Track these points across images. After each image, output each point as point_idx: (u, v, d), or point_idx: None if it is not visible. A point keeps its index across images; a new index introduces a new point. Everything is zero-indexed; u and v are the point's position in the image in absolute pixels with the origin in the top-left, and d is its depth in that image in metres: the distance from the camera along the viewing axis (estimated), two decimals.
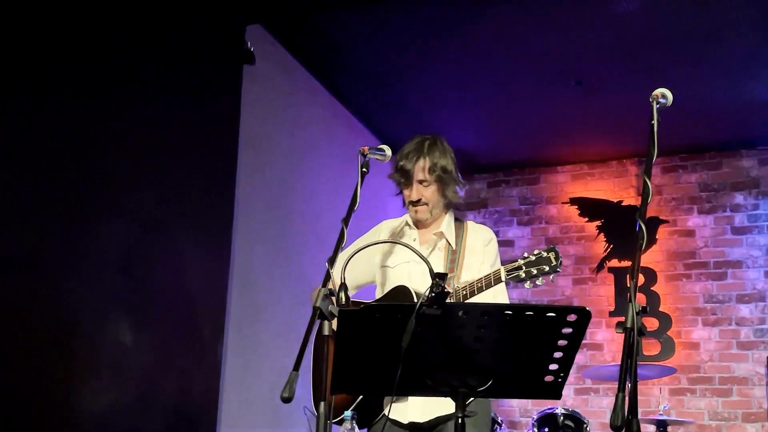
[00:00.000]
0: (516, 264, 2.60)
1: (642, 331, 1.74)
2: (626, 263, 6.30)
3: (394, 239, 2.86)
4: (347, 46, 4.70)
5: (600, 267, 6.41)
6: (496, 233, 6.58)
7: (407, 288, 2.69)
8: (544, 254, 2.59)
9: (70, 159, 3.11)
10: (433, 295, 1.79)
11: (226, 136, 4.02)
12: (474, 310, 1.85)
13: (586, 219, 6.55)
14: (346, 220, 2.35)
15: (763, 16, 4.28)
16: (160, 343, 3.53)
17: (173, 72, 3.70)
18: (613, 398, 1.66)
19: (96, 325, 3.19)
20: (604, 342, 6.24)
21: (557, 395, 1.98)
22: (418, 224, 2.88)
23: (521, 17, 4.39)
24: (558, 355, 1.89)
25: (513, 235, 6.73)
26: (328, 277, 2.18)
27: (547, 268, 2.58)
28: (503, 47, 4.72)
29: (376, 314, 1.90)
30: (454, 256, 2.78)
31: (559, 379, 1.94)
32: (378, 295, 2.87)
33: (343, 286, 2.13)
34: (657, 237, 6.27)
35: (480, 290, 2.59)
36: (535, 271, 2.58)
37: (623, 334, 1.74)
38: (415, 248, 2.33)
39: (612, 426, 1.63)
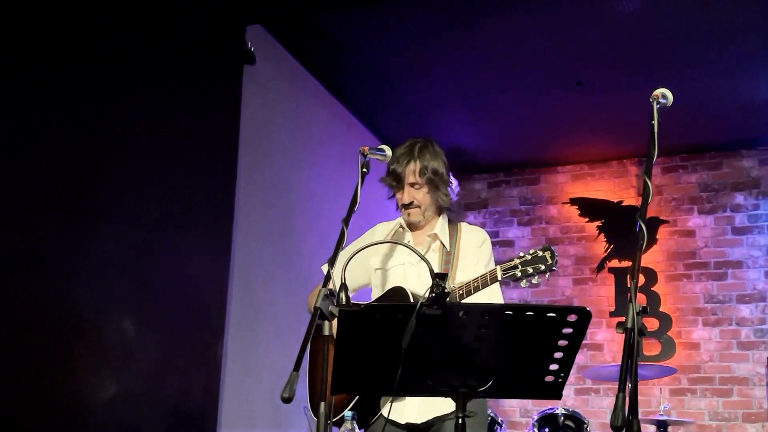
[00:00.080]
0: (512, 263, 2.61)
1: (642, 332, 1.74)
2: (626, 263, 6.30)
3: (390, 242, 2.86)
4: (348, 46, 4.70)
5: (600, 267, 6.41)
6: (497, 233, 6.73)
7: (404, 289, 2.70)
8: (540, 253, 2.60)
9: (70, 159, 3.11)
10: (433, 295, 1.79)
11: (227, 136, 4.02)
12: (474, 310, 1.85)
13: (587, 219, 6.55)
14: (346, 221, 2.36)
15: (764, 16, 4.28)
16: (161, 343, 3.53)
17: (174, 72, 3.70)
18: (614, 398, 1.66)
19: (97, 325, 3.19)
20: (604, 342, 6.24)
21: (557, 395, 1.98)
22: (412, 227, 2.89)
23: (522, 18, 4.39)
24: (558, 355, 1.89)
25: (513, 235, 6.74)
26: (328, 277, 2.18)
27: (542, 267, 2.59)
28: (504, 48, 4.72)
29: (377, 314, 1.90)
30: (449, 257, 2.80)
31: (560, 380, 1.94)
32: (374, 297, 2.88)
33: (344, 287, 2.13)
34: (657, 237, 6.27)
35: (476, 290, 2.61)
36: (531, 270, 2.59)
37: (623, 335, 1.74)
38: (415, 249, 2.33)
39: (612, 426, 1.63)
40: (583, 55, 4.79)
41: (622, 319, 1.76)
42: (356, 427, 2.27)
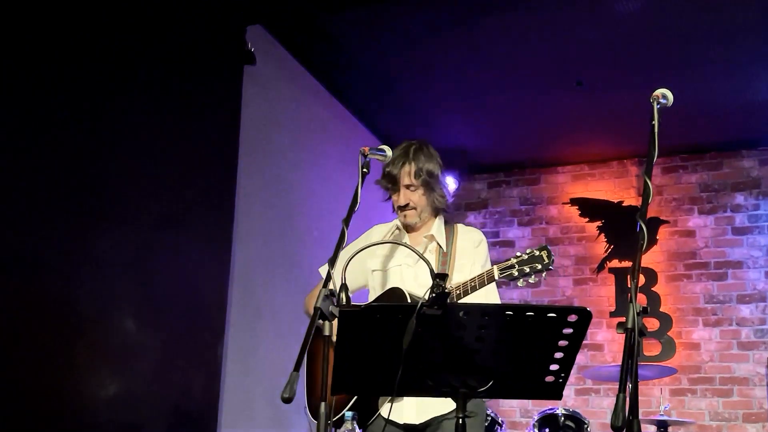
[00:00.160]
0: (509, 263, 2.62)
1: (643, 332, 1.74)
2: (627, 264, 6.30)
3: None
4: (348, 46, 4.70)
5: (600, 267, 6.41)
6: (497, 233, 6.73)
7: (401, 290, 2.71)
8: (537, 253, 2.61)
9: (70, 159, 3.10)
10: (434, 295, 1.79)
11: (227, 136, 4.02)
12: (474, 311, 1.85)
13: (587, 219, 6.55)
14: (346, 221, 2.36)
15: (764, 16, 4.28)
16: (161, 343, 3.53)
17: (174, 72, 3.70)
18: (614, 399, 1.66)
19: (97, 324, 3.19)
20: (604, 342, 6.24)
21: (558, 396, 1.98)
22: (408, 228, 2.91)
23: (522, 18, 4.39)
24: (559, 355, 1.89)
25: (513, 235, 6.73)
26: (328, 277, 2.18)
27: (539, 267, 2.60)
28: (504, 48, 4.72)
29: (377, 314, 1.90)
30: (445, 258, 2.81)
31: (560, 380, 1.94)
32: (371, 298, 2.88)
33: (344, 287, 2.13)
34: (657, 237, 6.27)
35: (473, 289, 2.62)
36: (527, 270, 2.60)
37: (624, 335, 1.74)
38: (416, 249, 2.33)
39: (613, 426, 1.63)
40: (583, 55, 4.79)
41: (623, 319, 1.76)
42: (356, 427, 2.27)
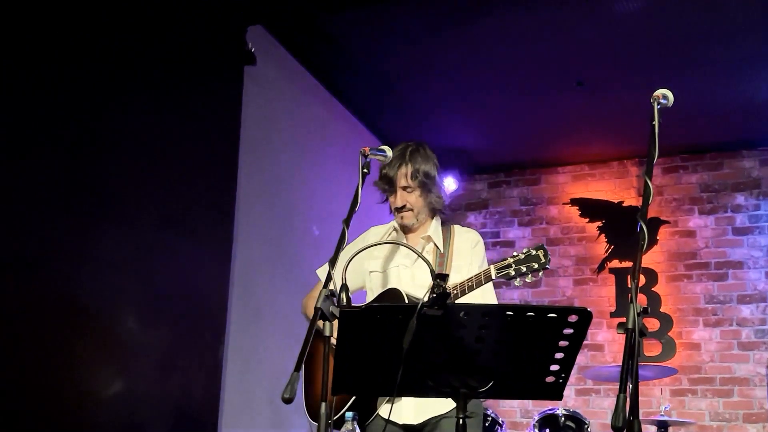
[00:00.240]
0: (506, 262, 2.63)
1: (643, 332, 1.74)
2: (627, 264, 6.30)
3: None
4: (348, 46, 4.70)
5: (601, 268, 6.41)
6: (497, 234, 6.73)
7: (399, 291, 2.71)
8: (533, 252, 2.62)
9: (71, 160, 3.10)
10: (434, 295, 1.79)
11: (227, 136, 4.02)
12: (475, 311, 1.85)
13: (587, 220, 6.55)
14: (347, 221, 2.36)
15: (764, 16, 4.28)
16: (162, 343, 3.53)
17: (174, 73, 3.70)
18: (615, 399, 1.66)
19: (98, 325, 3.19)
20: (605, 343, 6.23)
21: (558, 396, 1.98)
22: (405, 229, 2.91)
23: (522, 18, 4.39)
24: (559, 355, 1.89)
25: (514, 235, 6.73)
26: (329, 278, 2.18)
27: (536, 266, 2.61)
28: (504, 48, 4.72)
29: (377, 315, 1.90)
30: (442, 259, 2.82)
31: (560, 380, 1.94)
32: (369, 299, 2.89)
33: (344, 287, 2.13)
34: (658, 238, 6.27)
35: (471, 289, 2.63)
36: (524, 269, 2.61)
37: (624, 335, 1.74)
38: (415, 249, 2.33)
39: (613, 427, 1.63)
40: (583, 56, 4.79)
41: (623, 319, 1.76)
42: (357, 427, 2.27)
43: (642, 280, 6.07)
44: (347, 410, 2.58)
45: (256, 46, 4.16)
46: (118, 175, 3.34)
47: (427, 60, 4.88)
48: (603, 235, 6.49)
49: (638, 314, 1.74)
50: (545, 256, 2.61)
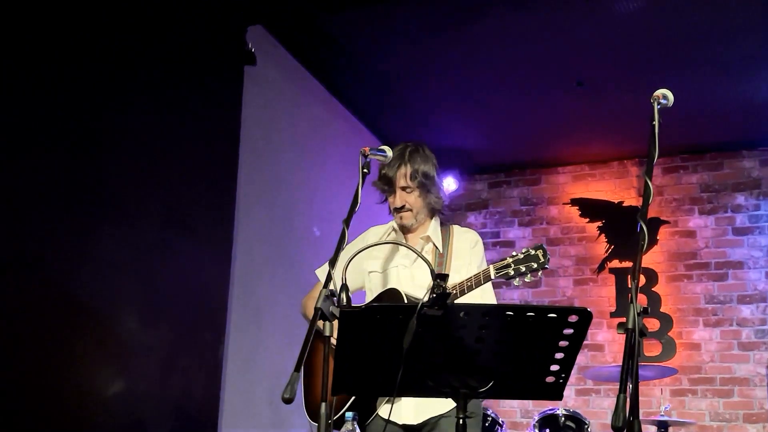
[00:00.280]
0: (505, 262, 2.64)
1: (643, 332, 1.74)
2: (627, 264, 6.30)
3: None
4: (348, 46, 4.70)
5: (601, 268, 6.41)
6: (497, 234, 6.73)
7: (398, 291, 2.72)
8: (532, 252, 2.62)
9: (71, 160, 3.11)
10: (434, 296, 1.79)
11: (228, 136, 4.02)
12: (475, 311, 1.85)
13: (587, 220, 6.55)
14: (347, 221, 2.36)
15: (764, 16, 4.28)
16: (162, 343, 3.53)
17: (174, 73, 3.70)
18: (615, 399, 1.66)
19: (98, 325, 3.19)
20: (605, 343, 6.23)
21: (558, 396, 1.98)
22: (404, 230, 2.91)
23: (522, 18, 4.39)
24: (559, 355, 1.89)
25: (514, 235, 6.73)
26: (329, 278, 2.18)
27: (535, 265, 2.61)
28: (504, 48, 4.72)
29: (378, 315, 1.90)
30: (441, 259, 2.82)
31: (561, 380, 1.94)
32: (368, 299, 2.89)
33: (345, 287, 2.13)
34: (658, 238, 6.27)
35: (470, 289, 2.63)
36: (523, 269, 2.61)
37: (624, 335, 1.74)
38: (415, 249, 2.33)
39: (613, 427, 1.63)
40: (583, 56, 4.79)
41: (623, 319, 1.75)
42: (357, 427, 2.27)
43: (642, 280, 6.07)
44: (347, 410, 2.58)
45: (256, 46, 4.16)
46: (119, 175, 3.34)
47: (427, 60, 4.88)
48: (603, 235, 6.48)
49: (638, 314, 1.74)
50: (544, 255, 2.61)
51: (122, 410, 3.27)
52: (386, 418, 2.61)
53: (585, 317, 1.82)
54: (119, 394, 3.27)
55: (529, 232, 6.70)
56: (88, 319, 3.13)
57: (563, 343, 1.86)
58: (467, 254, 2.85)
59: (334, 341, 2.00)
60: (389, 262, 2.88)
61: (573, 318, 1.82)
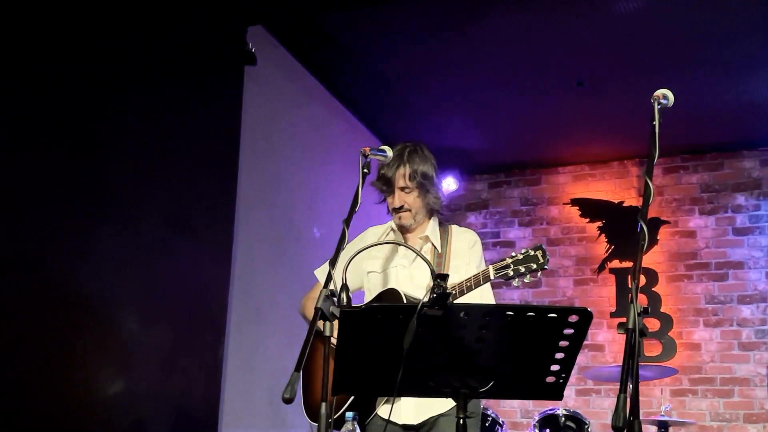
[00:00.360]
0: (504, 263, 2.64)
1: (643, 332, 1.74)
2: (627, 264, 6.30)
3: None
4: (348, 47, 4.70)
5: (601, 268, 6.41)
6: (497, 234, 6.73)
7: (397, 291, 2.72)
8: (532, 252, 2.63)
9: (71, 161, 3.10)
10: (434, 296, 1.79)
11: (228, 136, 4.02)
12: (475, 311, 1.85)
13: (588, 220, 6.55)
14: (347, 221, 2.36)
15: (764, 16, 4.28)
16: (162, 343, 3.53)
17: (174, 73, 3.70)
18: (615, 399, 1.66)
19: (98, 325, 3.19)
20: (605, 343, 6.23)
21: (559, 396, 1.98)
22: (403, 230, 2.91)
23: (522, 19, 4.39)
24: (559, 355, 1.89)
25: (514, 235, 6.73)
26: (329, 278, 2.18)
27: (534, 266, 2.62)
28: (504, 48, 4.72)
29: (378, 315, 1.90)
30: (440, 259, 2.82)
31: (561, 380, 1.94)
32: (367, 300, 2.89)
33: (345, 287, 2.13)
34: (658, 238, 6.27)
35: (469, 289, 2.63)
36: (522, 269, 2.61)
37: (625, 335, 1.74)
38: (416, 249, 2.33)
39: (614, 427, 1.63)
40: (583, 56, 4.79)
41: (623, 319, 1.75)
42: (357, 427, 2.27)
43: (642, 280, 6.07)
44: (347, 410, 2.58)
45: (256, 47, 4.16)
46: (119, 175, 3.34)
47: (427, 60, 4.88)
48: (603, 235, 6.48)
49: (638, 314, 1.74)
50: (543, 256, 2.62)
51: (122, 410, 3.27)
52: (386, 418, 2.61)
53: (585, 317, 1.82)
54: (119, 394, 3.26)
55: (529, 233, 6.70)
56: (88, 319, 3.13)
57: (563, 343, 1.86)
58: (466, 254, 2.86)
59: (334, 341, 2.00)
60: (388, 262, 2.88)
61: (573, 318, 1.82)
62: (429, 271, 2.12)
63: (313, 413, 2.74)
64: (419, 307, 1.80)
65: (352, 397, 2.65)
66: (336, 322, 2.03)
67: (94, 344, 3.16)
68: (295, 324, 3.14)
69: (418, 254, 2.32)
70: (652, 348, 6.04)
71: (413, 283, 2.79)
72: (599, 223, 6.51)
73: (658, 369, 4.94)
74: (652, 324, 6.03)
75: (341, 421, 2.43)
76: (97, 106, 3.23)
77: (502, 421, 4.42)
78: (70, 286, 3.05)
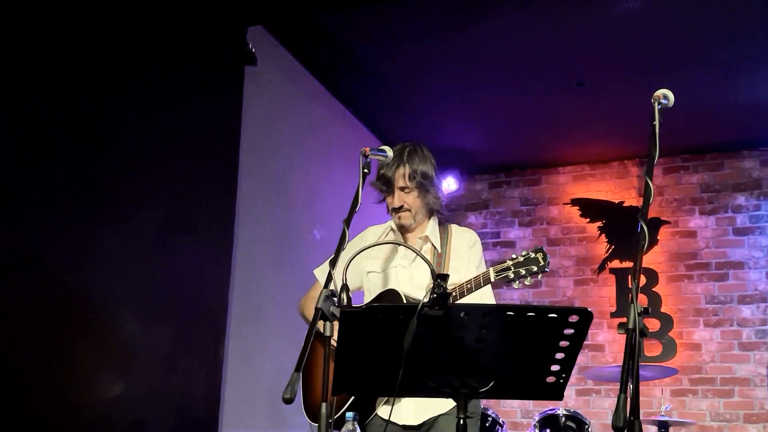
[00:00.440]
0: (504, 265, 2.65)
1: (644, 332, 1.74)
2: (628, 264, 6.30)
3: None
4: (349, 47, 4.70)
5: (601, 268, 6.40)
6: (498, 234, 6.74)
7: (397, 292, 2.72)
8: (532, 255, 2.63)
9: (71, 161, 3.11)
10: (434, 296, 1.79)
11: (228, 137, 4.02)
12: (475, 311, 1.85)
13: (588, 220, 6.55)
14: (347, 222, 2.35)
15: (764, 16, 4.28)
16: (163, 343, 3.53)
17: (175, 73, 3.70)
18: (615, 399, 1.66)
19: (99, 325, 3.19)
20: (605, 343, 6.23)
21: (559, 396, 1.98)
22: (403, 229, 2.90)
23: (523, 19, 4.39)
24: (560, 356, 1.89)
25: (514, 236, 6.73)
26: (329, 278, 2.18)
27: (535, 269, 2.63)
28: (505, 48, 4.72)
29: (378, 315, 1.90)
30: (440, 259, 2.82)
31: (561, 380, 1.94)
32: (367, 300, 2.89)
33: (345, 287, 2.13)
34: (658, 238, 6.27)
35: (470, 291, 2.63)
36: (523, 272, 2.62)
37: (625, 335, 1.74)
38: (416, 249, 2.33)
39: (614, 427, 1.63)
40: (583, 56, 4.79)
41: (624, 319, 1.75)
42: (357, 427, 2.27)
43: (642, 280, 6.06)
44: (347, 410, 2.58)
45: (256, 47, 4.16)
46: (119, 175, 3.34)
47: (427, 60, 4.88)
48: (603, 235, 6.48)
49: (639, 314, 1.74)
50: (544, 259, 2.62)
51: (122, 410, 3.27)
52: (386, 418, 2.61)
53: (585, 317, 1.82)
54: (119, 394, 3.26)
55: (529, 233, 6.70)
56: (88, 319, 3.13)
57: (564, 343, 1.86)
58: (466, 254, 2.85)
59: (334, 342, 2.00)
60: (388, 262, 2.88)
61: (573, 318, 1.82)
62: (429, 271, 2.12)
63: (313, 413, 2.74)
64: (419, 307, 1.80)
65: (353, 398, 2.65)
66: (336, 323, 2.03)
67: (94, 344, 3.16)
68: (295, 324, 3.14)
69: (418, 254, 2.32)
70: (652, 348, 6.03)
71: (413, 283, 2.79)
72: (599, 223, 6.51)
73: (658, 369, 4.94)
74: (653, 324, 6.03)
75: (341, 421, 2.43)
76: (98, 106, 3.23)
77: (503, 421, 4.42)
78: (70, 286, 3.05)
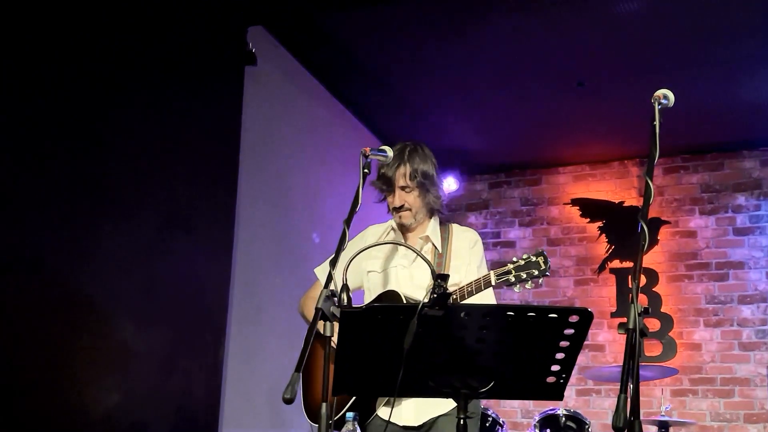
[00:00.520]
0: (506, 268, 2.64)
1: (644, 332, 1.74)
2: (628, 264, 6.30)
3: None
4: (349, 47, 4.70)
5: (602, 268, 6.40)
6: (498, 234, 6.74)
7: (396, 292, 2.71)
8: (533, 258, 2.63)
9: (71, 161, 3.10)
10: (435, 296, 1.79)
11: (228, 137, 4.02)
12: (476, 311, 1.85)
13: (588, 220, 6.55)
14: (347, 222, 2.35)
15: (764, 16, 4.28)
16: (163, 343, 3.53)
17: (175, 73, 3.70)
18: (615, 399, 1.66)
19: (99, 325, 3.19)
20: (605, 343, 6.23)
21: (559, 396, 1.98)
22: (403, 229, 2.90)
23: (523, 19, 4.39)
24: (560, 356, 1.89)
25: (514, 236, 6.73)
26: (330, 278, 2.18)
27: (536, 272, 2.62)
28: (505, 48, 4.72)
29: (378, 315, 1.90)
30: (441, 259, 2.82)
31: (561, 380, 1.94)
32: (367, 300, 2.88)
33: (345, 287, 2.12)
34: (659, 238, 6.27)
35: (470, 294, 2.63)
36: (524, 275, 2.62)
37: (625, 335, 1.74)
38: (416, 249, 2.33)
39: (614, 427, 1.63)
40: (584, 56, 4.79)
41: (624, 319, 1.75)
42: (357, 427, 2.27)
43: (643, 280, 6.06)
44: (347, 410, 2.58)
45: (256, 47, 4.16)
46: (119, 175, 3.34)
47: (427, 60, 4.87)
48: (604, 235, 6.48)
49: (639, 314, 1.74)
50: (545, 262, 2.62)
51: (122, 410, 3.26)
52: (386, 419, 2.61)
53: (586, 317, 1.82)
54: (119, 394, 3.26)
55: (529, 233, 6.70)
56: (88, 319, 3.13)
57: (564, 344, 1.86)
58: (466, 254, 2.85)
59: (334, 342, 2.00)
60: (388, 262, 2.88)
61: (574, 318, 1.82)
62: (429, 271, 2.12)
63: (313, 414, 2.74)
64: (420, 307, 1.80)
65: (353, 398, 2.65)
66: (336, 323, 2.03)
67: (94, 344, 3.16)
68: (295, 324, 3.14)
69: (418, 254, 2.32)
70: (652, 348, 6.03)
71: (413, 283, 2.79)
72: (599, 223, 6.51)
73: (658, 369, 4.94)
74: (653, 324, 6.03)
75: (341, 421, 2.43)
76: (98, 106, 3.23)
77: (503, 421, 4.42)
78: (70, 286, 3.05)
